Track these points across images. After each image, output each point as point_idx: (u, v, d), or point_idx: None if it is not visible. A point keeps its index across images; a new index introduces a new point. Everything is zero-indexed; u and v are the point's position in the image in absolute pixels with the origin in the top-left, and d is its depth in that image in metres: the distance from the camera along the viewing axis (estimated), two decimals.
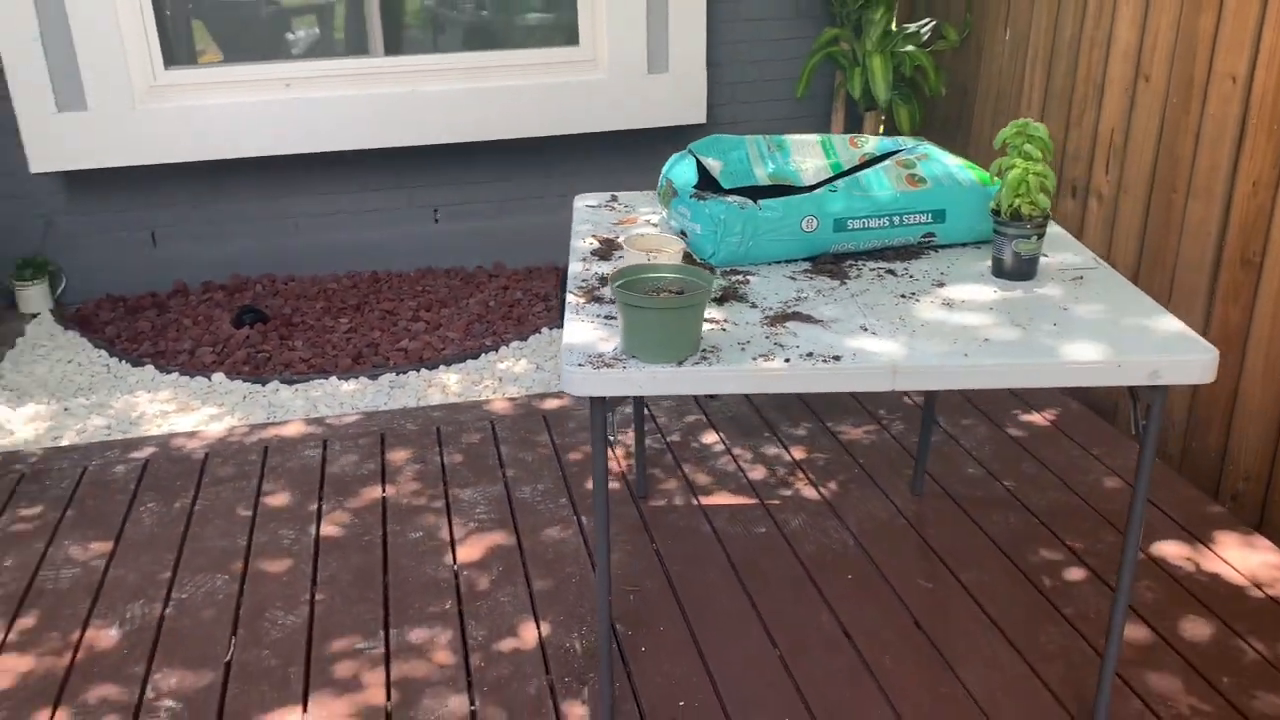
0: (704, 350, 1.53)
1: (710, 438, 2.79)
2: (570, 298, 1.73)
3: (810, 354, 1.51)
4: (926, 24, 3.64)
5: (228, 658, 2.04)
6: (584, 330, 1.60)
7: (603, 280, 1.79)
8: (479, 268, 4.05)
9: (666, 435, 2.81)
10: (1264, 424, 2.38)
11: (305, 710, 1.91)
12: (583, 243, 1.97)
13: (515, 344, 3.42)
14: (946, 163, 1.93)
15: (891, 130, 3.93)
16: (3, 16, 3.32)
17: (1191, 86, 2.54)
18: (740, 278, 1.80)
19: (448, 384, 3.19)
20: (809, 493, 2.54)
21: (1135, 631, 2.06)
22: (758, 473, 2.63)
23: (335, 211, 3.93)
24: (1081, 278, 1.78)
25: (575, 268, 1.85)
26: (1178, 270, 2.63)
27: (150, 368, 3.30)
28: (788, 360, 1.49)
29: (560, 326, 3.54)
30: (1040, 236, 1.73)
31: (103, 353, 3.42)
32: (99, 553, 2.36)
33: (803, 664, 1.99)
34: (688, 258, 1.87)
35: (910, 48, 3.57)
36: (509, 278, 3.95)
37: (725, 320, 1.63)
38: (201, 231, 3.86)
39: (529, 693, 1.93)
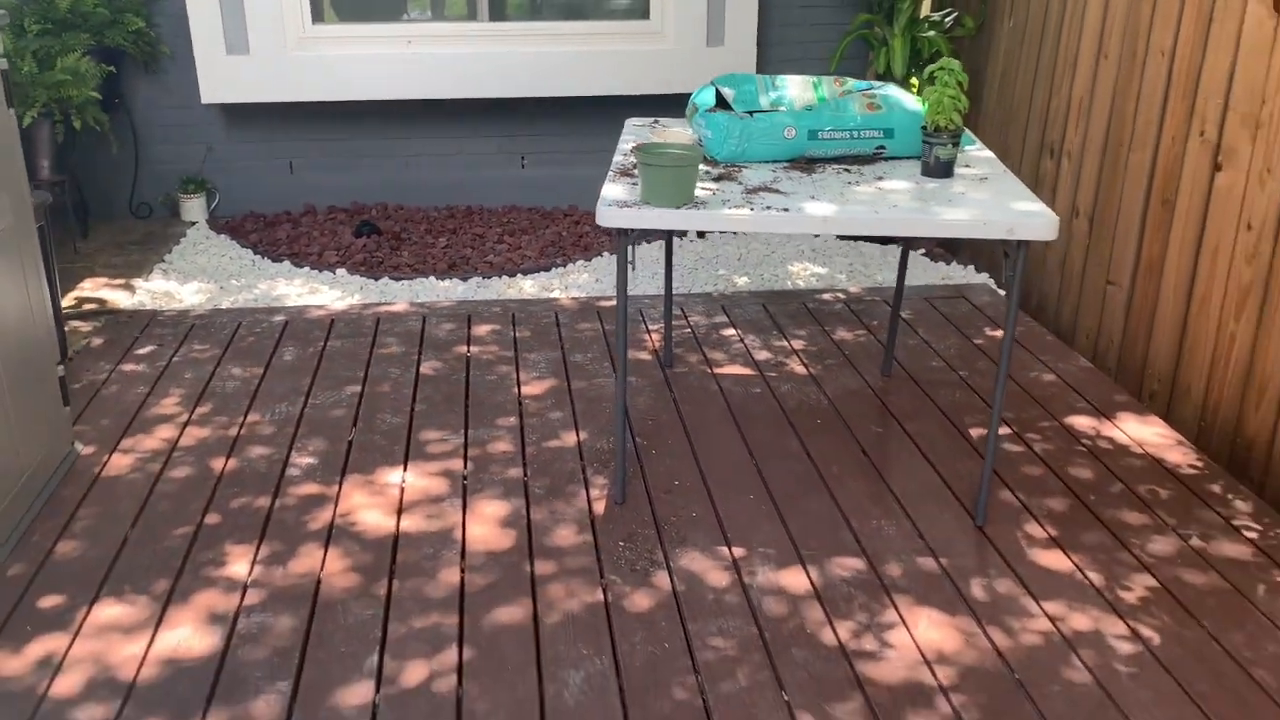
0: (697, 203, 2.20)
1: (729, 332, 3.46)
2: (610, 173, 2.42)
3: (769, 207, 2.17)
4: (949, 13, 4.25)
5: (350, 437, 2.78)
6: (616, 190, 2.29)
7: (634, 165, 2.48)
8: (556, 208, 4.77)
9: (696, 331, 3.48)
10: (1173, 337, 2.96)
11: (405, 468, 2.63)
12: (626, 144, 2.66)
13: (581, 262, 4.13)
14: (901, 97, 2.57)
15: None
16: None
17: (1135, 59, 3.12)
18: (736, 168, 2.47)
19: (524, 287, 3.90)
20: (799, 369, 3.19)
21: (1032, 469, 2.67)
22: (763, 355, 3.29)
23: (441, 153, 4.69)
24: (986, 178, 2.40)
25: (617, 159, 2.54)
26: (1121, 211, 3.21)
27: (287, 263, 4.09)
28: (752, 209, 2.16)
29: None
30: (955, 144, 2.36)
31: (248, 251, 4.23)
32: (254, 374, 3.13)
33: (769, 467, 2.65)
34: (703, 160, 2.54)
35: (931, 33, 4.18)
36: (581, 216, 4.66)
37: (718, 190, 2.30)
38: (330, 163, 4.65)
39: (566, 469, 2.63)
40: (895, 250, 4.35)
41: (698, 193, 2.27)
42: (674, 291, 3.79)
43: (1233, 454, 2.70)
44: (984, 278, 4.04)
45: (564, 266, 4.10)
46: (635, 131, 2.81)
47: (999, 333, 3.48)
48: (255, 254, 4.20)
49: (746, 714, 1.87)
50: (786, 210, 2.16)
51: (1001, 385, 2.31)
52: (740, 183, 2.36)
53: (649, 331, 3.46)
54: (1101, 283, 3.31)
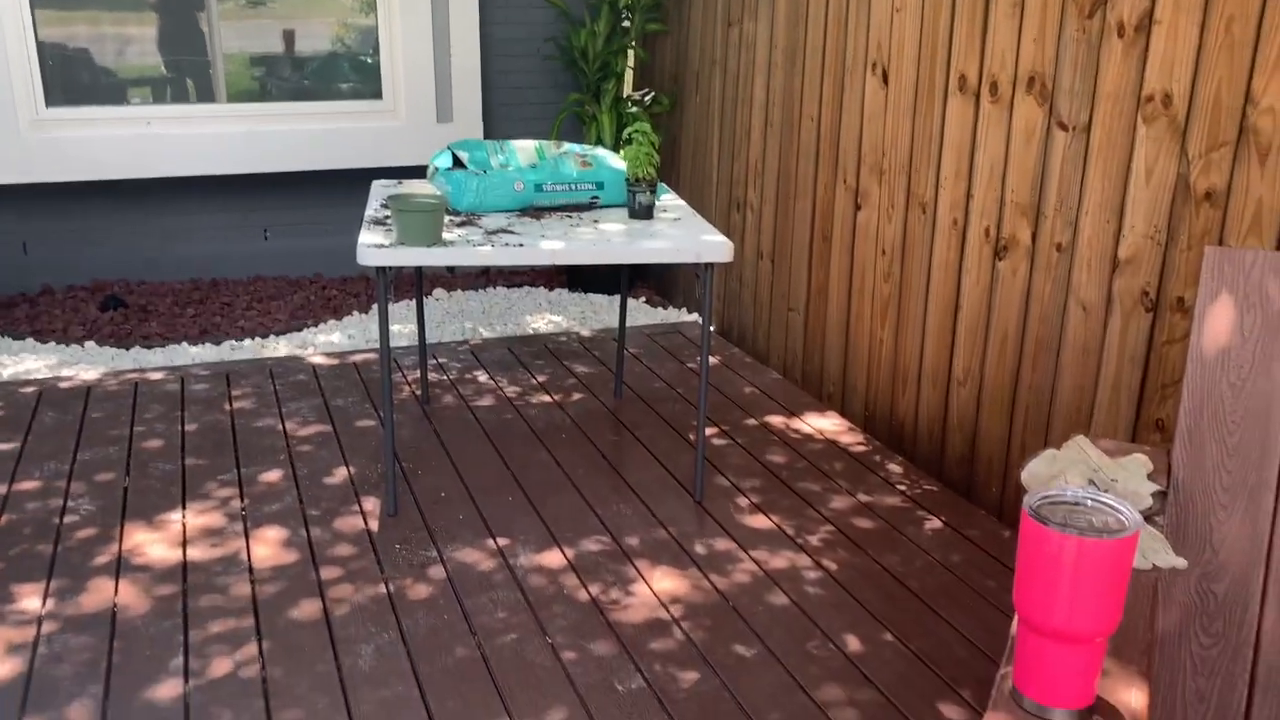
0: (445, 242, 2.60)
1: (479, 373, 3.85)
2: (364, 225, 2.77)
3: (507, 244, 2.61)
4: (646, 93, 4.91)
5: (125, 484, 2.92)
6: (372, 236, 2.65)
7: (386, 215, 2.85)
8: (302, 276, 5.00)
9: (449, 373, 3.84)
10: (839, 347, 3.64)
11: (184, 508, 2.81)
12: (376, 201, 3.03)
13: (332, 322, 4.39)
14: (607, 156, 3.11)
15: None
16: None
17: (792, 126, 3.84)
18: (476, 217, 2.89)
19: (278, 348, 4.12)
20: (545, 398, 3.62)
21: (738, 457, 3.22)
22: (512, 390, 3.69)
23: (183, 229, 4.82)
24: (679, 219, 2.96)
25: (368, 213, 2.90)
26: (793, 250, 3.90)
27: (30, 340, 4.08)
28: (494, 246, 2.59)
29: (367, 312, 4.54)
30: (653, 192, 2.90)
31: None
32: (15, 440, 3.18)
33: (524, 474, 3.05)
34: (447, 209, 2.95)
35: (634, 109, 4.82)
36: (327, 282, 4.92)
37: (462, 233, 2.71)
38: (67, 243, 4.66)
39: (339, 495, 2.91)
40: (619, 298, 4.91)
41: (446, 236, 2.67)
42: (428, 342, 4.15)
43: (889, 432, 3.38)
44: (694, 317, 4.66)
45: (315, 327, 4.35)
46: (382, 190, 3.17)
47: (711, 359, 4.07)
48: None
49: (519, 658, 2.24)
50: (522, 245, 2.60)
51: (704, 385, 2.84)
52: (481, 227, 2.78)
53: (406, 378, 3.78)
54: (784, 310, 3.98)
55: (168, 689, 2.12)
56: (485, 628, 2.34)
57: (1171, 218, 2.37)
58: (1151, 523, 1.40)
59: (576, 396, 3.65)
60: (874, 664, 2.26)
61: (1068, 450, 1.49)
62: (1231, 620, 1.49)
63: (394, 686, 2.15)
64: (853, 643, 2.33)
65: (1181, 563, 1.37)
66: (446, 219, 2.86)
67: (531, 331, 4.39)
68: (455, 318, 4.53)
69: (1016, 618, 1.01)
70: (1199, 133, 2.29)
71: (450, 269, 2.63)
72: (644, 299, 4.91)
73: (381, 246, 2.56)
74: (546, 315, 4.62)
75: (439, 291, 4.83)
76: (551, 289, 5.00)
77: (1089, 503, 0.99)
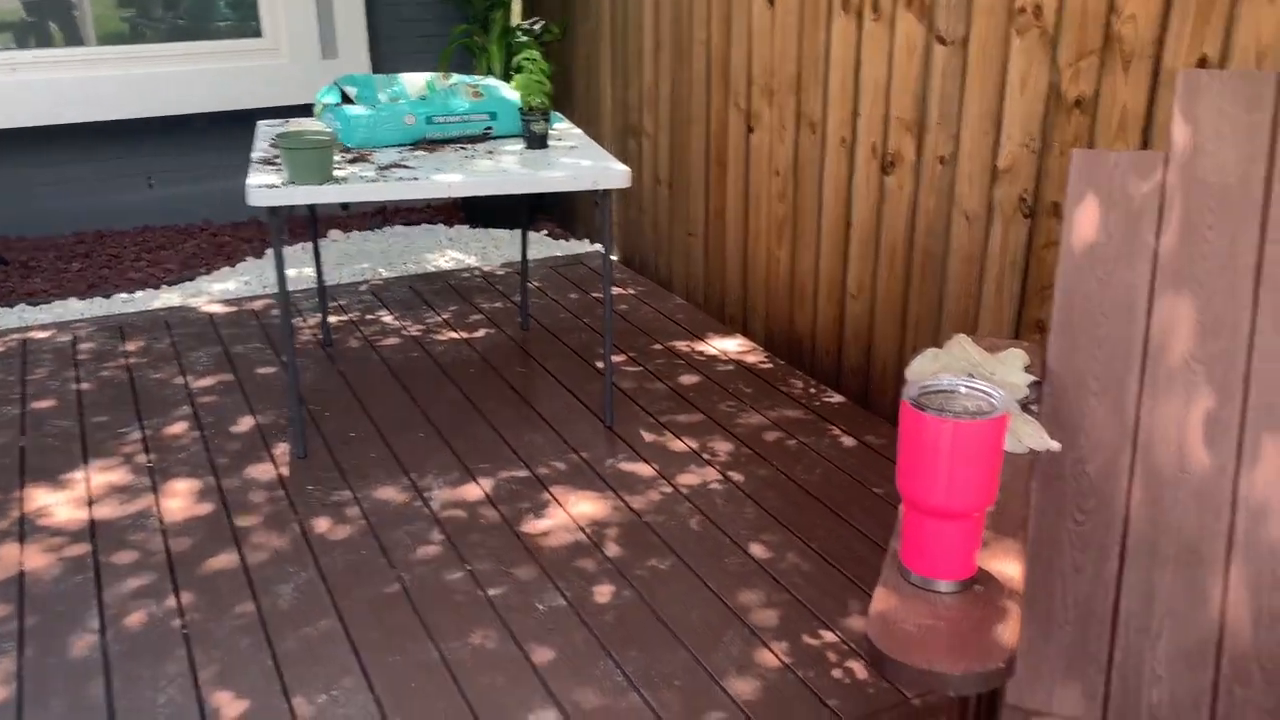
0: (337, 179, 2.56)
1: (382, 312, 3.82)
2: (252, 166, 2.71)
3: (400, 178, 2.59)
4: (535, 21, 4.85)
5: (21, 443, 2.84)
6: (261, 177, 2.59)
7: (275, 155, 2.79)
8: (191, 224, 4.85)
9: (349, 314, 3.80)
10: (739, 268, 3.70)
11: (86, 465, 2.76)
12: (263, 142, 2.95)
13: (226, 269, 4.29)
14: (499, 86, 3.08)
15: None
16: None
17: (683, 51, 3.85)
18: (367, 153, 2.85)
19: (172, 298, 4.01)
20: (450, 334, 3.62)
21: (647, 382, 3.28)
22: (416, 328, 3.68)
23: (61, 180, 4.61)
24: (575, 146, 2.97)
25: (255, 154, 2.84)
26: (690, 175, 3.93)
27: None
28: (386, 181, 2.56)
29: (262, 256, 4.44)
30: (546, 120, 2.89)
31: None
32: None
33: (433, 410, 3.06)
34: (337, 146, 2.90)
35: (523, 39, 4.76)
36: (218, 229, 4.79)
37: (354, 170, 2.68)
38: None
39: (248, 443, 2.89)
40: (515, 235, 4.89)
41: (337, 173, 2.63)
42: (329, 283, 4.08)
43: (790, 349, 3.48)
44: (597, 247, 4.68)
45: (208, 274, 4.24)
46: (268, 130, 3.10)
47: (618, 290, 4.11)
48: None
49: (439, 587, 2.28)
50: (417, 179, 2.58)
51: (609, 311, 2.87)
52: (373, 163, 2.74)
53: (306, 322, 3.73)
54: (684, 235, 4.03)
55: (84, 646, 2.10)
56: (403, 561, 2.38)
57: (1045, 126, 2.47)
58: (1027, 410, 1.50)
59: (482, 331, 3.66)
60: (783, 568, 2.36)
61: (950, 348, 1.58)
62: (1103, 498, 1.61)
63: (315, 622, 2.17)
64: (762, 550, 2.43)
65: (1055, 445, 1.47)
66: (338, 156, 2.81)
67: (433, 269, 4.35)
68: (354, 259, 4.46)
69: (902, 501, 1.09)
70: (1068, 42, 2.38)
71: (344, 206, 2.61)
72: (546, 232, 4.90)
73: (272, 187, 2.51)
74: (447, 252, 4.58)
75: (335, 233, 4.74)
76: (451, 225, 4.95)
77: (962, 390, 1.06)
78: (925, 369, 1.48)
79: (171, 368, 3.35)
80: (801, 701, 1.97)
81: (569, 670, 2.04)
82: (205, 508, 2.59)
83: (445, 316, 3.78)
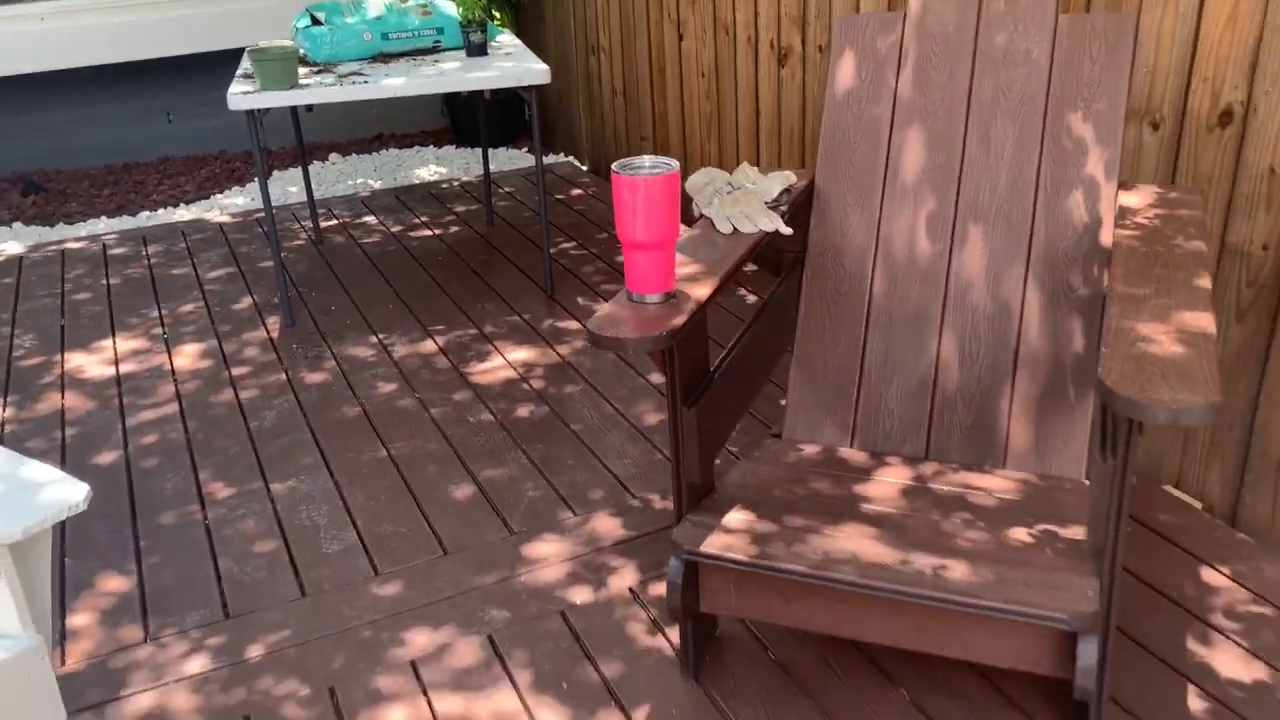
0: (302, 85, 3.07)
1: (369, 217, 4.34)
2: (235, 80, 3.23)
3: (354, 83, 3.09)
4: None
5: (61, 323, 3.43)
6: (240, 87, 3.11)
7: (251, 70, 3.30)
8: (207, 154, 5.41)
9: (341, 219, 4.33)
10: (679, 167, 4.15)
11: (114, 337, 3.34)
12: (246, 63, 3.47)
13: (236, 189, 4.84)
14: (444, 5, 3.56)
15: None
16: None
17: None
18: (332, 66, 3.35)
19: (188, 214, 4.57)
20: (425, 232, 4.14)
21: (584, 259, 3.77)
22: (397, 227, 4.20)
23: (91, 118, 5.19)
24: (510, 53, 3.44)
25: (240, 71, 3.35)
26: (639, 85, 4.38)
27: None
28: (342, 85, 3.06)
29: (269, 177, 4.99)
30: (484, 32, 3.37)
31: None
32: None
33: (403, 288, 3.59)
34: (302, 61, 3.41)
35: None
36: (231, 157, 5.34)
37: (319, 79, 3.18)
38: None
39: (245, 317, 3.44)
40: (505, 151, 5.37)
41: (305, 82, 3.13)
42: (323, 197, 4.61)
43: None
44: (570, 159, 5.15)
45: (221, 194, 4.80)
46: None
47: (575, 190, 4.59)
48: None
49: (392, 409, 2.82)
50: (368, 83, 3.08)
51: (541, 191, 3.37)
52: (335, 73, 3.25)
53: (303, 227, 4.28)
54: (638, 140, 4.49)
55: (111, 455, 2.68)
56: (366, 394, 2.92)
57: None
58: (776, 209, 1.96)
59: (454, 229, 4.17)
60: None
61: (735, 171, 2.04)
62: (855, 284, 2.08)
63: (292, 435, 2.72)
64: (658, 377, 2.93)
65: (787, 230, 1.93)
66: (307, 69, 3.32)
67: (417, 181, 4.86)
68: (348, 176, 4.99)
69: (622, 245, 1.57)
70: None
71: (308, 108, 3.12)
72: (526, 148, 5.38)
73: (247, 93, 3.03)
74: (433, 167, 5.09)
75: (334, 156, 5.27)
76: (440, 146, 5.45)
77: (648, 162, 1.54)
78: (698, 181, 1.96)
79: (185, 265, 3.91)
80: (663, 472, 2.48)
81: (488, 458, 2.58)
82: (208, 363, 3.15)
83: (423, 218, 4.30)
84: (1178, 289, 1.53)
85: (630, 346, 1.48)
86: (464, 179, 4.82)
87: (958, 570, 1.54)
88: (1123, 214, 1.83)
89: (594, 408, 2.79)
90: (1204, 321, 1.42)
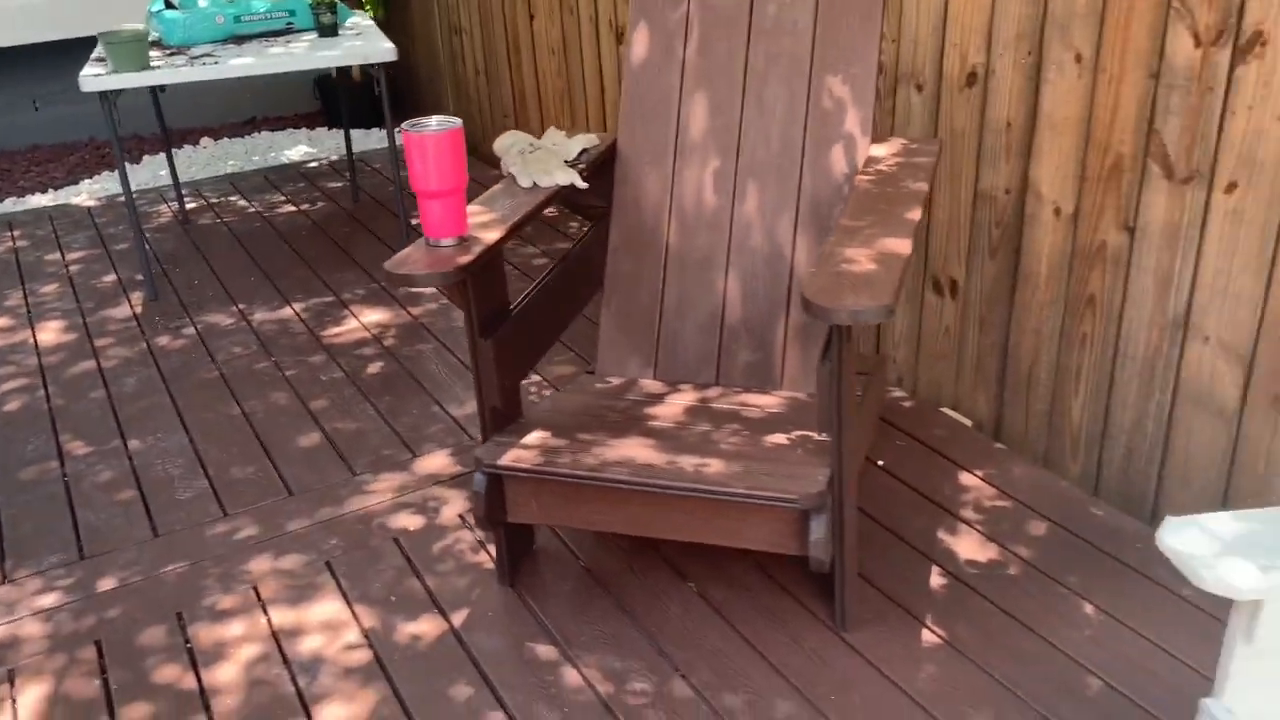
0: (153, 67, 3.19)
1: (236, 198, 4.45)
2: (89, 64, 3.33)
3: (204, 64, 3.22)
4: None
5: None
6: (93, 69, 3.22)
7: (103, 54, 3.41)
8: (77, 140, 5.42)
9: (209, 200, 4.43)
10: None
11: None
12: (98, 48, 3.57)
13: (105, 174, 4.89)
14: None
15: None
16: None
17: None
18: (186, 49, 3.47)
19: (55, 200, 4.61)
20: (291, 209, 4.27)
21: None
22: (261, 207, 4.32)
23: None
24: (361, 34, 3.61)
25: (93, 55, 3.45)
26: (499, 64, 4.57)
27: None
28: (192, 66, 3.19)
29: (139, 162, 5.04)
30: (334, 13, 3.52)
31: None
32: None
33: (265, 262, 3.73)
34: (157, 44, 3.52)
35: None
36: (101, 144, 5.37)
37: (171, 61, 3.30)
38: None
39: (110, 293, 3.55)
40: (378, 131, 5.50)
41: (158, 64, 3.25)
42: (192, 179, 4.70)
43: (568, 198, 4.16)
44: None
45: (90, 180, 4.84)
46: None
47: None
48: None
49: (249, 373, 2.98)
50: (218, 63, 3.22)
51: (397, 176, 3.54)
52: (188, 55, 3.37)
53: (170, 208, 4.37)
54: (501, 117, 4.68)
55: None
56: (224, 360, 3.07)
57: None
58: (573, 165, 2.19)
59: (320, 205, 4.31)
60: None
61: (544, 135, 2.26)
62: (653, 234, 2.32)
63: (151, 398, 2.87)
64: None
65: (583, 184, 2.15)
66: (161, 52, 3.43)
67: (287, 162, 4.98)
68: (220, 159, 5.07)
69: (417, 196, 1.78)
70: None
71: (162, 88, 3.25)
72: (399, 128, 5.51)
73: (99, 75, 3.14)
74: (304, 148, 5.20)
75: (205, 140, 5.34)
76: (314, 129, 5.56)
77: (435, 122, 1.75)
78: (504, 143, 2.17)
79: (50, 248, 3.98)
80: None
81: (337, 411, 2.76)
82: (71, 336, 3.25)
83: (288, 196, 4.43)
84: (891, 221, 1.80)
85: (420, 282, 1.69)
86: (333, 159, 4.94)
87: (714, 466, 1.79)
88: (869, 162, 2.11)
89: (442, 363, 2.99)
90: (901, 246, 1.69)
